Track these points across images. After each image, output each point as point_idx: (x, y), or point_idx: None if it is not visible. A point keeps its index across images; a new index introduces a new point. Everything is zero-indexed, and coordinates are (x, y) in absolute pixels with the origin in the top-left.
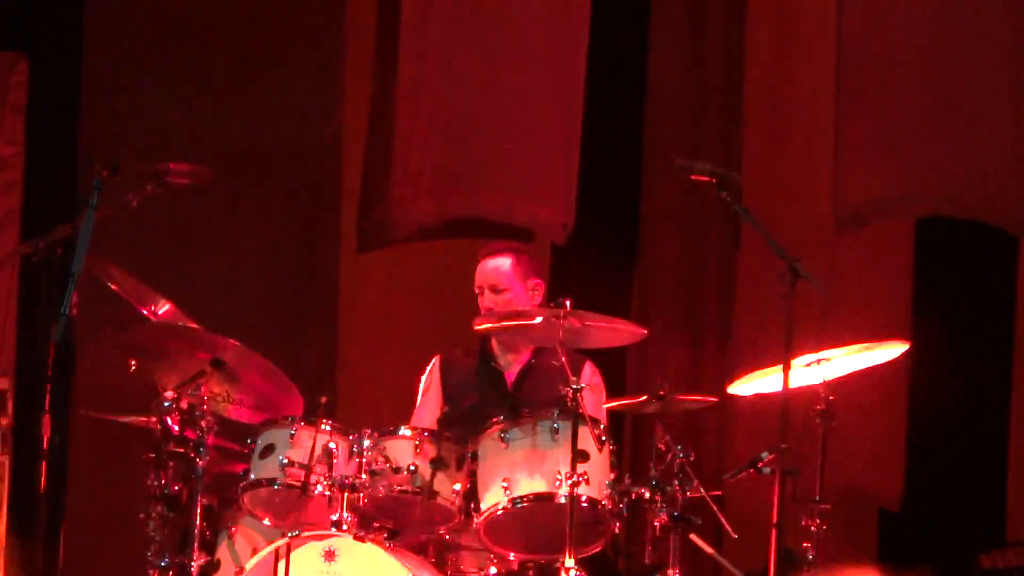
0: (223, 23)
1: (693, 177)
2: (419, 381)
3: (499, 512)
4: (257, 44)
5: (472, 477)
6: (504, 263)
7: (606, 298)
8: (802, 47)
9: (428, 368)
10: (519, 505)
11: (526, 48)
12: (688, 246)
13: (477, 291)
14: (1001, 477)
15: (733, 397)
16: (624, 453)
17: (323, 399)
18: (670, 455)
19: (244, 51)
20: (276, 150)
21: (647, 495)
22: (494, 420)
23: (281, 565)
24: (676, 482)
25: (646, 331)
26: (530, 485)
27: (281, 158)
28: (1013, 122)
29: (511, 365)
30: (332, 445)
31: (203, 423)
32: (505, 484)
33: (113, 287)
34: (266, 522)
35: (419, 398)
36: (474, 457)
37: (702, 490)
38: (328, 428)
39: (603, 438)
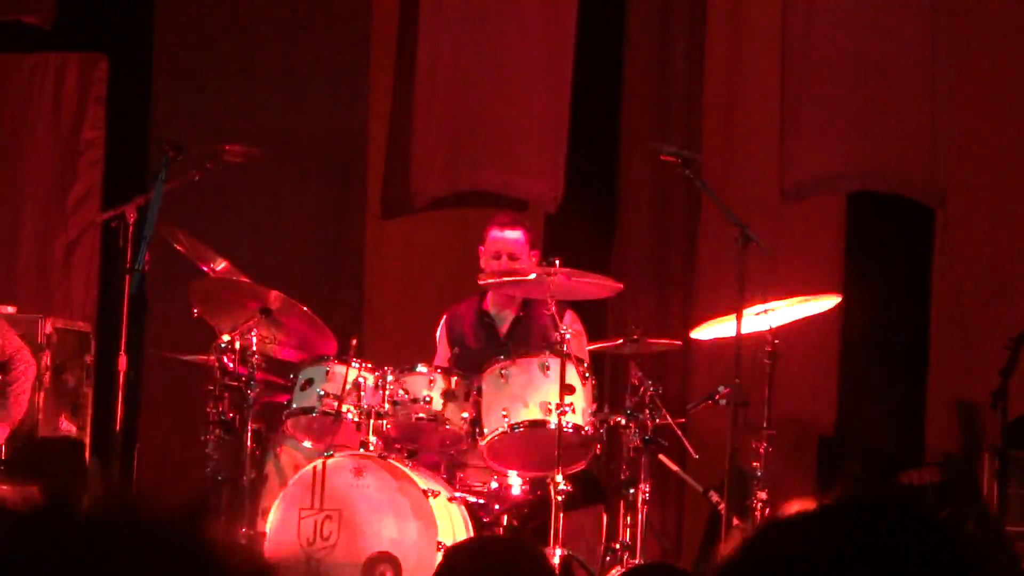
0: (267, 26)
1: (662, 157)
2: (434, 332)
3: (499, 435)
4: (296, 42)
5: (477, 407)
6: (520, 235)
7: (589, 258)
8: (752, 49)
9: (439, 323)
10: (516, 430)
11: (523, 46)
12: (657, 215)
13: (494, 256)
14: (920, 409)
15: (695, 340)
16: (603, 387)
17: (354, 341)
18: (642, 389)
19: (285, 49)
20: (312, 132)
21: (623, 422)
22: (495, 359)
23: (319, 480)
24: (647, 411)
25: (622, 285)
26: (525, 413)
27: (316, 139)
28: (927, 112)
29: (504, 317)
30: (361, 379)
31: (253, 361)
32: (504, 412)
33: (178, 248)
34: (306, 444)
35: (436, 346)
36: (479, 391)
37: (669, 418)
38: (357, 365)
39: (586, 374)
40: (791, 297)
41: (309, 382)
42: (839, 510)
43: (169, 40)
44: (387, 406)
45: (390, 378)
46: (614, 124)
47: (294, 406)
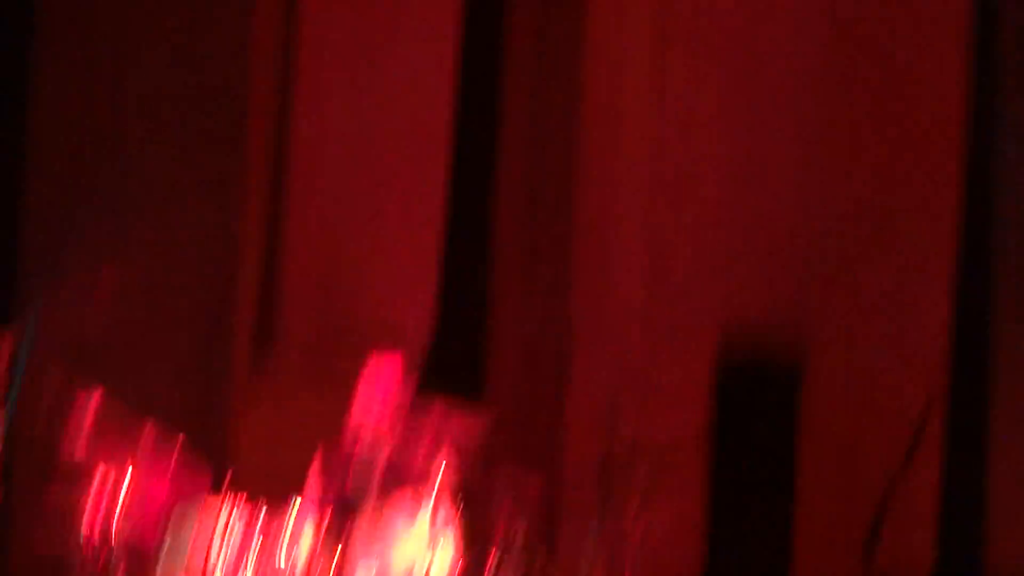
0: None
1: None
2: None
3: None
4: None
5: (347, 545)
6: (396, 368)
7: (461, 391)
8: (625, 166)
9: (314, 458)
10: None
11: (396, 182)
12: (529, 351)
13: (368, 392)
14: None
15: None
16: (474, 524)
17: (227, 473)
18: (513, 526)
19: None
20: (181, 270)
21: (495, 560)
22: (368, 499)
23: None
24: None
25: (492, 416)
26: (398, 555)
27: (186, 277)
28: (790, 245)
29: (378, 453)
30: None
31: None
32: (373, 562)
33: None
34: None
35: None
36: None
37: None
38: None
39: (458, 510)
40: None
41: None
42: None
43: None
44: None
45: (262, 516)
46: (484, 254)
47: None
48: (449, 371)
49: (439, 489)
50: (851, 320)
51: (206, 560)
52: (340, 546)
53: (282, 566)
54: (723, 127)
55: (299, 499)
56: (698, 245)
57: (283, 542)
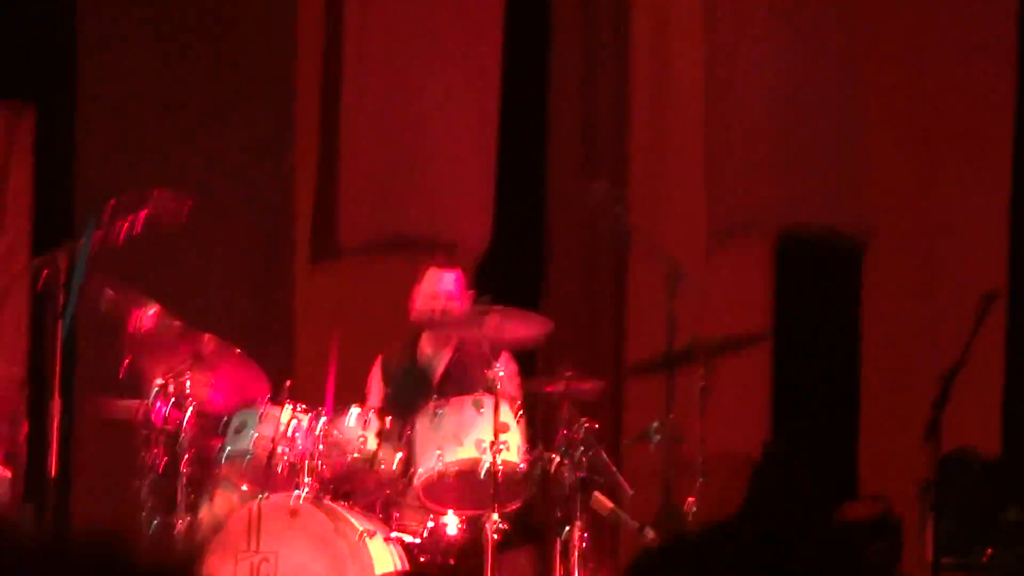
0: (190, 76)
1: (589, 195)
2: (365, 375)
3: (434, 476)
4: (223, 86)
5: (411, 447)
6: (455, 277)
7: (518, 299)
8: (677, 90)
9: (373, 365)
10: (450, 470)
11: (448, 89)
12: (586, 255)
13: (429, 297)
14: (852, 442)
15: (627, 378)
16: (537, 426)
17: (287, 383)
18: (575, 427)
19: (212, 93)
20: (239, 178)
21: (557, 460)
22: (428, 399)
23: (254, 523)
24: (580, 449)
25: (552, 324)
26: (460, 452)
27: (244, 185)
28: (852, 151)
29: (438, 358)
30: (295, 422)
31: (186, 405)
32: (439, 452)
33: (109, 294)
34: (241, 487)
35: (368, 388)
36: (412, 431)
37: (603, 455)
38: (291, 409)
39: (520, 412)
40: (720, 337)
41: (243, 425)
42: (754, 532)
43: (94, 87)
44: (321, 448)
45: (324, 420)
46: (541, 164)
47: (228, 449)
48: (507, 279)
49: (500, 393)
50: (912, 211)
51: (268, 463)
52: (401, 450)
53: (343, 467)
54: (774, 29)
55: (359, 405)
56: (754, 144)
57: (343, 445)
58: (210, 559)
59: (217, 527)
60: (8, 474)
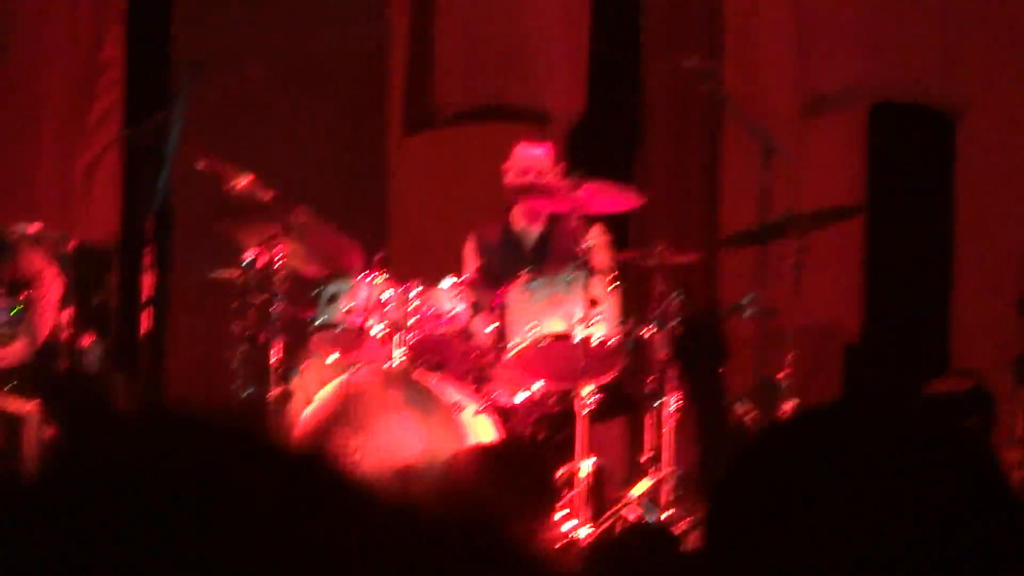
0: None
1: (682, 69)
2: (462, 248)
3: (526, 348)
4: None
5: (503, 319)
6: (545, 151)
7: (611, 170)
8: None
9: (468, 240)
10: (542, 343)
11: None
12: (679, 127)
13: (520, 172)
14: (945, 316)
15: (720, 251)
16: (629, 299)
17: (379, 255)
18: (667, 300)
19: None
20: (333, 48)
21: (649, 333)
22: (521, 272)
23: (345, 394)
24: (673, 322)
25: (645, 198)
26: (551, 326)
27: (337, 54)
28: (947, 21)
29: (531, 232)
30: (387, 294)
31: (278, 276)
32: (531, 324)
33: (201, 165)
34: (331, 358)
35: (464, 262)
36: (505, 303)
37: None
38: (383, 279)
39: (612, 286)
40: (814, 207)
41: (335, 296)
42: (854, 413)
43: None
44: (413, 319)
45: (416, 291)
46: (634, 37)
47: (320, 321)
48: (600, 151)
49: (593, 265)
50: (1008, 81)
51: (359, 334)
52: (494, 321)
53: (435, 338)
54: None
55: (453, 276)
56: (848, 14)
57: (435, 316)
58: (301, 430)
59: (308, 398)
60: (100, 345)
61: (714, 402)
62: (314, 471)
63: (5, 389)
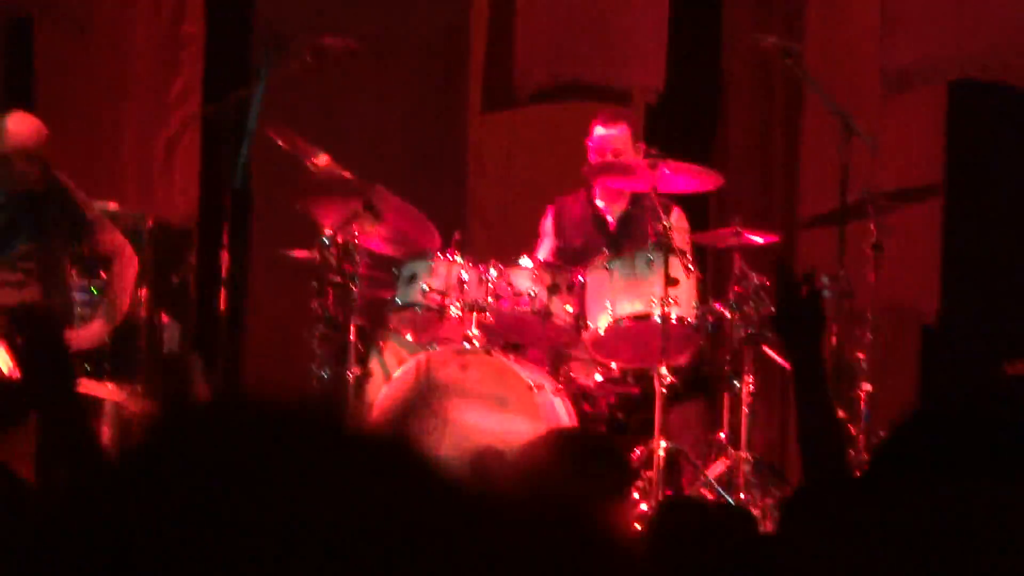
0: None
1: (763, 47)
2: (540, 224)
3: (604, 329)
4: None
5: (581, 300)
6: (624, 130)
7: (690, 149)
8: None
9: (546, 214)
10: (620, 323)
11: None
12: (759, 106)
13: (599, 152)
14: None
15: (798, 231)
16: (707, 280)
17: (457, 235)
18: (746, 280)
19: None
20: (413, 25)
21: (727, 314)
22: (600, 252)
23: (423, 374)
24: (751, 303)
25: (723, 179)
26: (629, 306)
27: (418, 32)
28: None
29: (613, 211)
30: (464, 274)
31: (357, 256)
32: (609, 305)
33: (280, 143)
34: (409, 338)
35: (540, 238)
36: (583, 284)
37: (773, 309)
38: (461, 260)
39: (690, 267)
40: (893, 187)
41: (413, 277)
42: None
43: None
44: (490, 300)
45: (494, 272)
46: (715, 14)
47: (398, 301)
48: (680, 130)
49: (672, 246)
50: None
51: (437, 314)
52: (572, 302)
53: (513, 319)
54: None
55: (530, 257)
56: None
57: (513, 296)
58: (378, 412)
59: (386, 379)
60: (178, 325)
61: (817, 374)
62: (393, 460)
63: (82, 370)
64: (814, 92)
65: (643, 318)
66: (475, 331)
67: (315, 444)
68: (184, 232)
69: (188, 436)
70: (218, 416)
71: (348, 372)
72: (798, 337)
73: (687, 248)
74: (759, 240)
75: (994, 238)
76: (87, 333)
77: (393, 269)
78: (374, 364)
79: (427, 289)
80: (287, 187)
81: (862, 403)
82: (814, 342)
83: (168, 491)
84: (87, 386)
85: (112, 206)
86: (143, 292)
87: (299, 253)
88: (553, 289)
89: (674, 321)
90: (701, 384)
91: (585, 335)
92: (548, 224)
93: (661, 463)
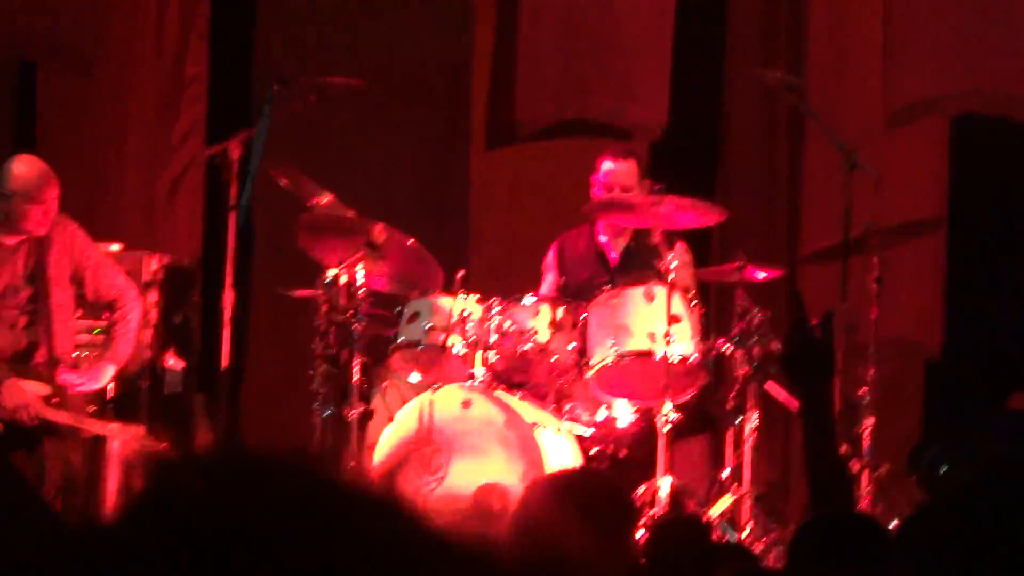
0: None
1: (766, 82)
2: (542, 260)
3: (607, 366)
4: None
5: (584, 337)
6: (633, 165)
7: (693, 184)
8: None
9: (549, 250)
10: (623, 360)
11: None
12: (762, 141)
13: (606, 187)
14: None
15: (801, 266)
16: (710, 315)
17: (460, 273)
18: (748, 316)
19: None
20: (415, 62)
21: (730, 350)
22: (601, 288)
23: (426, 413)
24: (755, 338)
25: (727, 213)
26: (632, 343)
27: (420, 69)
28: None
29: (615, 245)
30: (468, 311)
31: (359, 295)
32: (611, 342)
33: (283, 183)
34: (413, 377)
35: (543, 274)
36: (585, 321)
37: (776, 345)
38: (464, 297)
39: (693, 303)
40: (896, 222)
41: (416, 315)
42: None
43: None
44: (494, 337)
45: (497, 309)
46: (718, 50)
47: (401, 339)
48: (682, 166)
49: (674, 282)
50: None
51: (440, 353)
52: (575, 339)
53: (516, 356)
54: None
55: (533, 294)
56: (933, 27)
57: (516, 334)
58: (381, 450)
59: (388, 417)
60: (182, 364)
61: (826, 414)
62: (389, 519)
63: (89, 411)
64: (817, 127)
65: (645, 355)
66: (479, 369)
67: (308, 501)
68: (188, 271)
69: (187, 496)
70: (216, 472)
71: (350, 411)
72: (809, 374)
73: (691, 283)
74: (763, 275)
75: (997, 272)
76: (93, 374)
77: (396, 307)
78: (377, 403)
79: (430, 327)
80: (289, 226)
81: (865, 438)
82: (826, 380)
83: (168, 548)
84: (93, 425)
85: (115, 247)
86: (148, 333)
87: (301, 292)
88: (555, 326)
89: (677, 358)
90: (705, 420)
91: (587, 373)
92: (551, 260)
93: (665, 501)
